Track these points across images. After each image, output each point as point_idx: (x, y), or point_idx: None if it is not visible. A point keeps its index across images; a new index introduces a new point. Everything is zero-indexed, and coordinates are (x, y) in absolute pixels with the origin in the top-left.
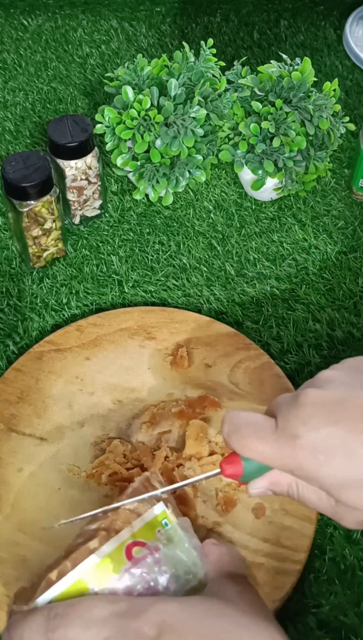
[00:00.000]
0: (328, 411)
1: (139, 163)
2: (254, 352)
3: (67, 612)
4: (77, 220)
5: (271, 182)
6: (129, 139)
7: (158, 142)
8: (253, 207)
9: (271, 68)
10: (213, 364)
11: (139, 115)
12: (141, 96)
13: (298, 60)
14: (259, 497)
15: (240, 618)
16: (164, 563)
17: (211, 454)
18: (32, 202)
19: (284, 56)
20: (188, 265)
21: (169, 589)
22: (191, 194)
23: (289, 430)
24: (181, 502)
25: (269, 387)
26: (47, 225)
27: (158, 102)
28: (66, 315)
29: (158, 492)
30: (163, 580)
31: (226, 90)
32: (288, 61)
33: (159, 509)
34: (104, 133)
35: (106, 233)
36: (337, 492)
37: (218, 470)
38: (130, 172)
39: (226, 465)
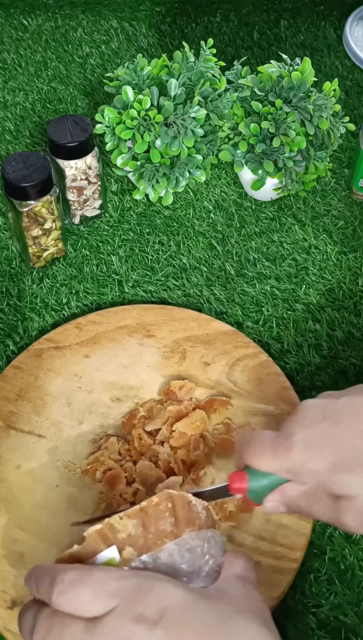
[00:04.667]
0: (318, 412)
1: (139, 163)
2: (253, 351)
3: (76, 581)
4: (77, 220)
5: (271, 182)
6: (129, 139)
7: (158, 142)
8: (253, 207)
9: (271, 68)
10: (211, 362)
11: (139, 115)
12: (141, 96)
13: (298, 60)
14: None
15: (240, 621)
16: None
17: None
18: (32, 202)
19: (284, 56)
20: (188, 265)
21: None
22: (191, 194)
23: (287, 431)
24: None
25: (268, 386)
26: (47, 225)
27: (158, 102)
28: (66, 315)
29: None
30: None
31: (226, 90)
32: (288, 61)
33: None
34: (104, 133)
35: (106, 233)
36: (329, 481)
37: (225, 484)
38: (130, 172)
39: (233, 478)
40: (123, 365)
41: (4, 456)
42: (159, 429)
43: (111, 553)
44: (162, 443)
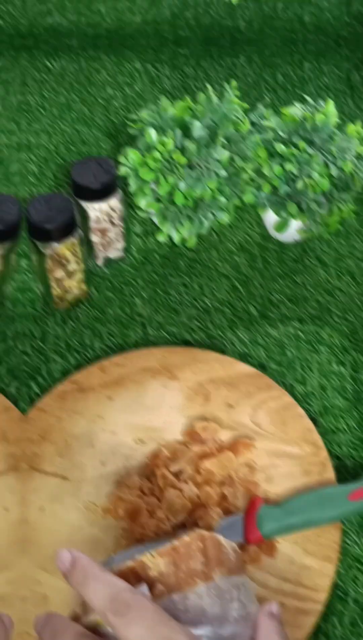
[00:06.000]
0: None
1: (162, 205)
2: (276, 393)
3: (132, 607)
4: (100, 262)
5: (294, 224)
6: (153, 181)
7: (182, 184)
8: (277, 248)
9: (295, 110)
10: (235, 404)
11: (162, 157)
12: (164, 138)
13: (321, 102)
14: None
15: None
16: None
17: (222, 498)
18: (55, 244)
19: (307, 98)
20: (211, 307)
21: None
22: (215, 235)
23: None
24: None
25: (291, 428)
26: (70, 267)
27: (182, 144)
28: (89, 357)
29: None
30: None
31: (249, 132)
32: (312, 103)
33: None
34: (128, 175)
35: (129, 275)
36: None
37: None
38: (154, 214)
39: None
40: (146, 407)
41: (28, 498)
42: (183, 469)
43: (141, 590)
44: (186, 482)
